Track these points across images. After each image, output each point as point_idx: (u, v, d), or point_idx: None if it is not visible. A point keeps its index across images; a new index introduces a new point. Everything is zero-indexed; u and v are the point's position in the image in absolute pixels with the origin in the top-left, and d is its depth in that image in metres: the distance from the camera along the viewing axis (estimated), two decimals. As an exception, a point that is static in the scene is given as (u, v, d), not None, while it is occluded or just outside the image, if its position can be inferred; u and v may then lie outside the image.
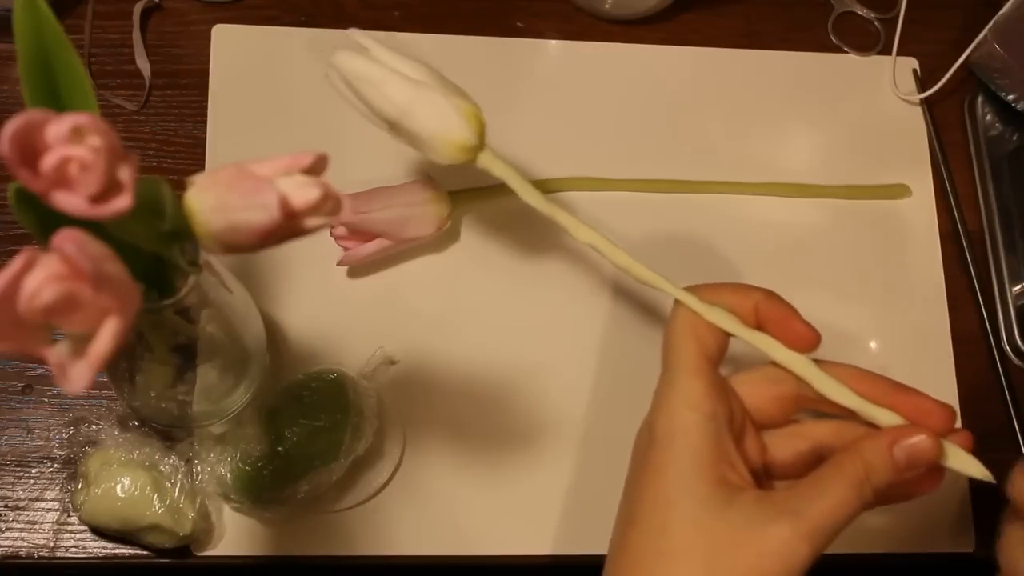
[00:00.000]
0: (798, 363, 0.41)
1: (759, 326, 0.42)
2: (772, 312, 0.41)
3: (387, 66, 0.44)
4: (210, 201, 0.30)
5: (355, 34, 0.45)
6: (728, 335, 0.41)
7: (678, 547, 0.37)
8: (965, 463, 0.40)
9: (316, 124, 0.56)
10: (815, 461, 0.41)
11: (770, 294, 0.42)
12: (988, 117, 0.62)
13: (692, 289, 0.42)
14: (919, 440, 0.39)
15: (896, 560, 0.54)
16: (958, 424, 0.42)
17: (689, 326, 0.41)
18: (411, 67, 0.44)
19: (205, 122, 0.56)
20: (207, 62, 0.57)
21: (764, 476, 0.42)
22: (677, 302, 0.42)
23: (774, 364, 0.42)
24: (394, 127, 0.44)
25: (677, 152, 0.59)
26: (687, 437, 0.39)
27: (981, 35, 0.58)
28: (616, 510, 0.52)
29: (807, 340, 0.41)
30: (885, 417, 0.40)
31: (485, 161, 0.45)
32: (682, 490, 0.38)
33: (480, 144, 0.44)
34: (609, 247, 0.43)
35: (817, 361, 0.42)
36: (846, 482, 0.38)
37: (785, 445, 0.43)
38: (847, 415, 0.41)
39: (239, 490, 0.47)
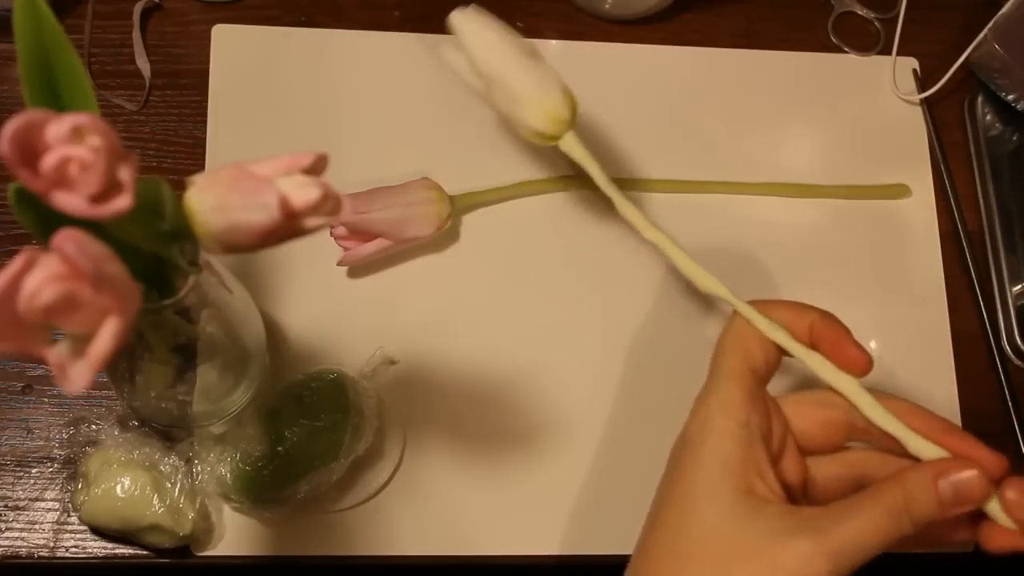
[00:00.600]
0: (847, 385, 0.40)
1: (813, 345, 0.41)
2: (827, 332, 0.40)
3: (500, 32, 0.46)
4: (210, 201, 0.30)
5: (470, 10, 0.47)
6: (781, 353, 0.41)
7: (694, 550, 0.37)
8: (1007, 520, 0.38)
9: (316, 124, 0.56)
10: (857, 489, 0.39)
11: (826, 314, 0.41)
12: (988, 117, 0.62)
13: (750, 303, 0.41)
14: (969, 476, 0.37)
15: (896, 560, 0.54)
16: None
17: (740, 337, 0.40)
18: (524, 43, 0.47)
19: (205, 122, 0.56)
20: (207, 62, 0.57)
21: (802, 497, 0.41)
22: (735, 312, 0.41)
23: (826, 389, 0.41)
24: (495, 85, 0.46)
25: (677, 152, 0.59)
26: (718, 441, 0.38)
27: (981, 35, 0.58)
28: (617, 509, 0.52)
29: (859, 364, 0.40)
30: (930, 451, 0.39)
31: (568, 143, 0.46)
32: (706, 493, 0.37)
33: (570, 124, 0.45)
34: (675, 251, 0.43)
35: (873, 392, 0.40)
36: (882, 508, 0.36)
37: (828, 470, 0.42)
38: (898, 451, 0.40)
39: (239, 490, 0.47)
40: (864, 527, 0.36)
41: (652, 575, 0.38)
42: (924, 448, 0.39)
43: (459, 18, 0.46)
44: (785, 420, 0.41)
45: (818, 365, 0.41)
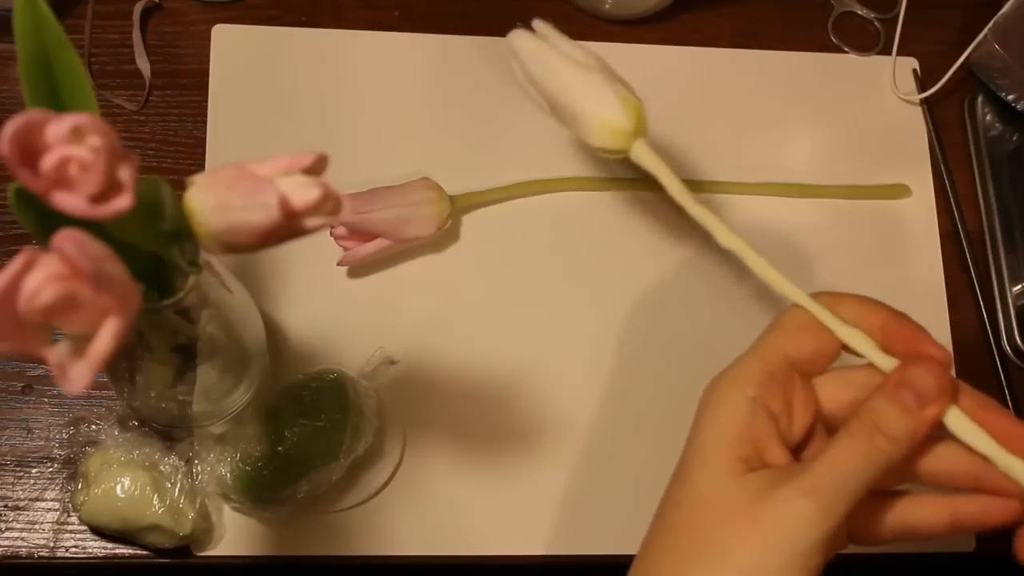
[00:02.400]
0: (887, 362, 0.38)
1: (885, 345, 0.38)
2: (900, 330, 0.38)
3: (558, 49, 0.45)
4: (210, 201, 0.30)
5: (535, 23, 0.46)
6: (840, 348, 0.39)
7: (686, 518, 0.36)
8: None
9: (316, 124, 0.56)
10: None
11: (900, 314, 0.39)
12: (988, 117, 0.62)
13: (817, 294, 0.39)
14: (914, 374, 0.35)
15: (896, 560, 0.54)
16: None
17: (794, 324, 0.39)
18: (582, 54, 0.45)
19: (205, 122, 0.56)
20: (207, 62, 0.57)
21: None
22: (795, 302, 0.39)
23: (863, 367, 0.38)
24: (555, 106, 0.45)
25: (677, 152, 0.59)
26: (718, 412, 0.37)
27: (981, 35, 0.58)
28: (617, 509, 0.52)
29: (936, 358, 0.37)
30: (888, 363, 0.37)
31: (638, 151, 0.44)
32: (701, 464, 0.37)
33: (635, 132, 0.44)
34: (753, 256, 0.41)
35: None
36: (853, 435, 0.35)
37: None
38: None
39: (239, 490, 0.47)
40: (841, 456, 0.35)
41: (651, 548, 0.38)
42: (884, 362, 0.37)
43: (515, 39, 0.45)
44: (816, 408, 0.39)
45: (864, 347, 0.38)
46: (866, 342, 0.38)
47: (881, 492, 0.38)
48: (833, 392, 0.39)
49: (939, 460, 0.37)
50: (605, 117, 0.44)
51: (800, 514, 0.34)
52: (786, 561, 0.34)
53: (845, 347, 0.39)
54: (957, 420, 0.36)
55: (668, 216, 0.57)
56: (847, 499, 0.34)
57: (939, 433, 0.36)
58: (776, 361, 0.38)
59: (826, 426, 0.39)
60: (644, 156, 0.44)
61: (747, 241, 0.41)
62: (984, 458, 0.36)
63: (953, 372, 0.37)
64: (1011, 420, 0.36)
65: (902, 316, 0.38)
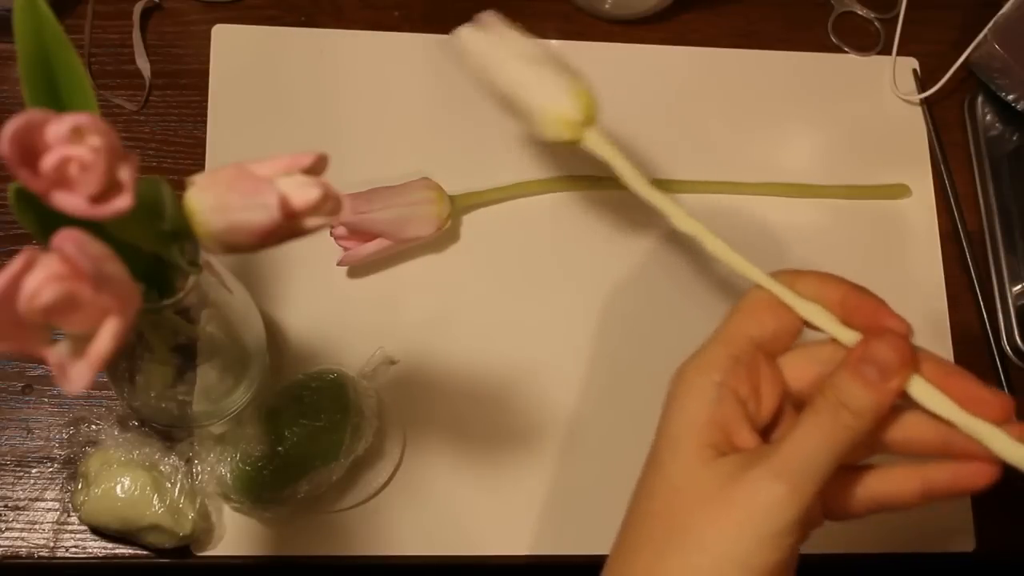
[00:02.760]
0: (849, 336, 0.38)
1: (846, 319, 0.38)
2: (861, 305, 0.38)
3: (506, 43, 0.45)
4: (210, 201, 0.30)
5: (482, 16, 0.46)
6: (802, 324, 0.39)
7: (659, 508, 0.37)
8: (990, 435, 0.36)
9: (316, 124, 0.56)
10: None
11: (859, 287, 0.39)
12: (988, 117, 0.62)
13: (777, 273, 0.40)
14: (874, 348, 0.36)
15: (896, 560, 0.54)
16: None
17: (753, 304, 0.39)
18: (530, 46, 0.45)
19: (205, 122, 0.56)
20: (207, 62, 0.57)
21: None
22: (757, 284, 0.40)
23: (825, 342, 0.39)
24: (506, 101, 0.45)
25: (677, 152, 0.59)
26: (686, 398, 0.37)
27: (981, 35, 0.58)
28: (617, 509, 0.52)
29: (897, 332, 0.37)
30: (850, 337, 0.38)
31: (591, 141, 0.45)
32: (672, 452, 0.37)
33: (586, 123, 0.45)
34: (711, 238, 0.42)
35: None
36: (818, 413, 0.35)
37: None
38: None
39: (239, 490, 0.47)
40: (807, 436, 0.35)
41: (626, 540, 0.38)
42: (846, 336, 0.38)
43: (462, 35, 0.46)
44: (783, 387, 0.39)
45: (825, 322, 0.38)
46: (826, 317, 0.38)
47: (851, 467, 0.38)
48: (799, 369, 0.39)
49: (906, 429, 0.37)
50: (555, 110, 0.44)
51: (771, 496, 0.34)
52: (760, 543, 0.34)
53: (807, 323, 0.39)
54: (921, 389, 0.36)
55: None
56: (816, 478, 0.34)
57: (905, 403, 0.37)
58: (740, 344, 0.38)
59: (794, 404, 0.39)
60: (597, 145, 0.45)
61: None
62: (949, 424, 0.36)
63: (914, 341, 0.37)
64: (975, 384, 0.36)
65: (861, 289, 0.39)
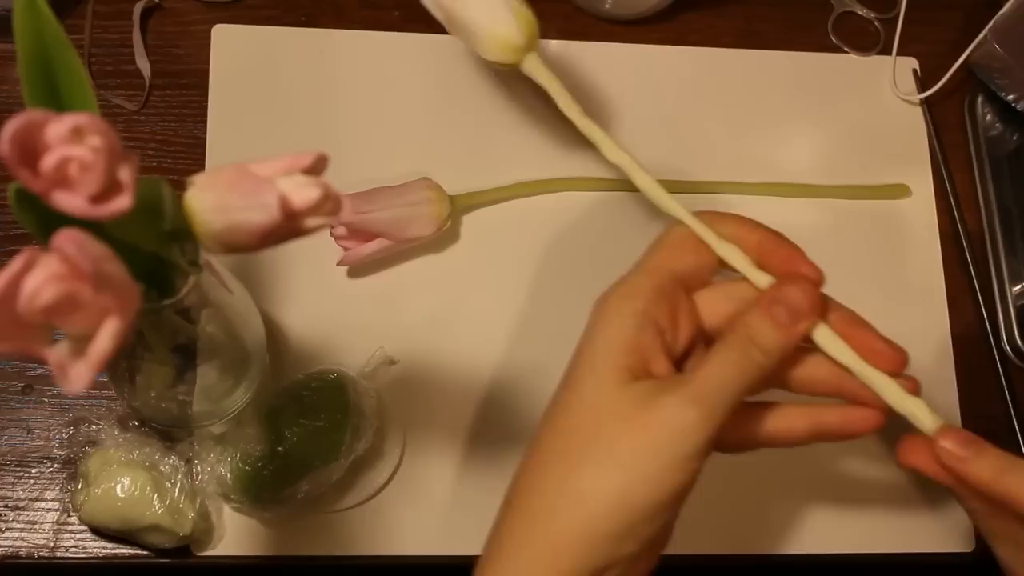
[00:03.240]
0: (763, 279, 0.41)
1: (760, 262, 0.41)
2: (777, 250, 0.40)
3: None
4: (210, 201, 0.30)
5: None
6: (718, 264, 0.41)
7: (574, 425, 0.38)
8: (882, 384, 0.39)
9: (316, 124, 0.56)
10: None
11: (777, 233, 0.41)
12: (988, 117, 0.62)
13: (698, 213, 0.42)
14: (787, 291, 0.38)
15: (896, 560, 0.54)
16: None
17: (676, 240, 0.41)
18: None
19: (205, 122, 0.56)
20: (207, 62, 0.57)
21: None
22: (678, 221, 0.41)
23: (740, 281, 0.41)
24: (450, 19, 0.46)
25: (677, 152, 0.59)
26: (608, 324, 0.39)
27: (981, 35, 0.58)
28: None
29: (814, 278, 0.40)
30: (765, 280, 0.40)
31: (530, 65, 0.46)
32: (590, 371, 0.38)
33: (527, 47, 0.45)
34: (639, 173, 0.44)
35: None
36: (730, 347, 0.37)
37: None
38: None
39: (239, 490, 0.47)
40: (719, 367, 0.37)
41: (540, 453, 0.39)
42: (761, 279, 0.40)
43: None
44: (699, 324, 0.41)
45: (740, 263, 0.40)
46: (742, 258, 0.41)
47: (749, 403, 0.40)
48: (713, 305, 0.41)
49: (806, 369, 0.40)
50: (498, 31, 0.45)
51: (685, 420, 0.36)
52: (671, 464, 0.36)
53: (723, 263, 0.41)
54: (824, 335, 0.39)
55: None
56: (726, 407, 0.37)
57: (807, 345, 0.39)
58: (663, 276, 0.40)
59: (705, 339, 0.41)
60: (536, 69, 0.46)
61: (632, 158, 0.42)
62: (847, 370, 0.39)
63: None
64: (874, 335, 0.39)
65: (778, 235, 0.41)
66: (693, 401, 0.36)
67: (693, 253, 0.41)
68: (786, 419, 0.41)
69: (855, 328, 0.40)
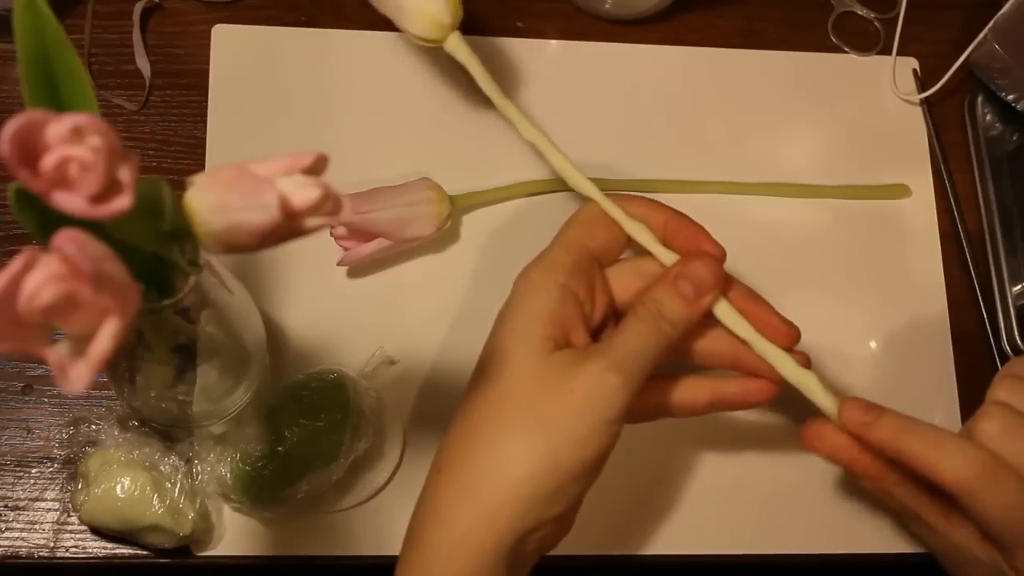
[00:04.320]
0: (667, 257, 0.44)
1: (666, 240, 0.44)
2: (681, 229, 0.44)
3: None
4: (210, 201, 0.30)
5: None
6: (627, 242, 0.44)
7: (502, 392, 0.40)
8: (775, 356, 0.42)
9: (316, 124, 0.56)
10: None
11: (680, 213, 0.45)
12: (988, 117, 0.62)
13: (608, 195, 0.45)
14: (692, 267, 0.41)
15: (896, 560, 0.54)
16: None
17: (589, 218, 0.44)
18: None
19: (205, 122, 0.56)
20: (207, 62, 0.57)
21: None
22: (589, 200, 0.45)
23: (648, 258, 0.44)
24: None
25: (677, 152, 0.59)
26: (533, 296, 0.42)
27: (981, 35, 0.58)
28: (616, 509, 0.52)
29: (715, 254, 0.43)
30: (670, 257, 0.43)
31: (452, 44, 0.48)
32: (516, 341, 0.41)
33: (451, 25, 0.48)
34: (552, 150, 0.47)
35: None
36: (641, 319, 0.40)
37: None
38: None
39: (239, 490, 0.47)
40: (634, 337, 0.40)
41: (468, 422, 0.41)
42: (666, 255, 0.44)
43: None
44: (611, 297, 0.44)
45: (670, 260, 0.43)
46: (649, 236, 0.44)
47: (654, 375, 0.42)
48: (623, 281, 0.45)
49: (706, 342, 0.44)
50: (425, 8, 0.47)
51: (609, 386, 0.39)
52: (596, 427, 0.39)
53: (631, 239, 0.44)
54: (724, 309, 0.42)
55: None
56: (642, 374, 0.40)
57: (707, 320, 0.43)
58: (580, 252, 0.43)
59: (616, 312, 0.45)
60: (456, 48, 0.48)
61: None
62: (745, 343, 0.42)
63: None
64: (768, 310, 0.43)
65: (682, 216, 0.45)
66: (614, 367, 0.39)
67: (605, 230, 0.44)
68: (689, 390, 0.44)
69: (752, 304, 0.43)
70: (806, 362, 0.43)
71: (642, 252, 0.45)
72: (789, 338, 0.43)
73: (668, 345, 0.41)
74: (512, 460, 0.39)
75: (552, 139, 0.47)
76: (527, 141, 0.47)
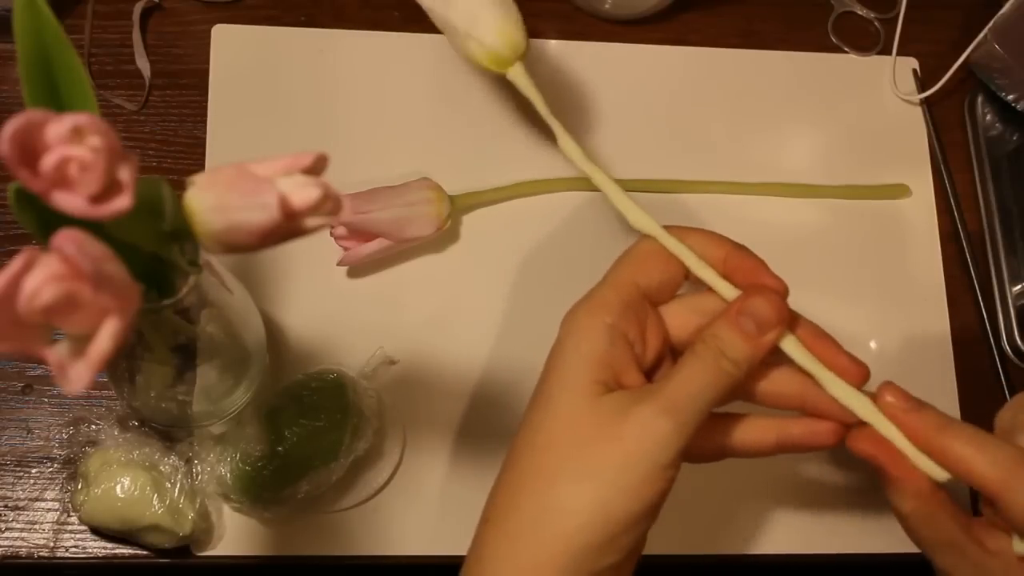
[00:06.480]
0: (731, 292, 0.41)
1: (727, 276, 0.41)
2: (742, 263, 0.41)
3: None
4: (210, 201, 0.30)
5: None
6: (684, 277, 0.42)
7: (549, 441, 0.38)
8: (849, 396, 0.39)
9: (316, 124, 0.56)
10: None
11: (741, 247, 0.42)
12: (988, 117, 0.62)
13: (666, 228, 0.42)
14: (754, 303, 0.39)
15: (896, 560, 0.54)
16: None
17: (644, 254, 0.42)
18: None
19: (205, 122, 0.56)
20: (207, 62, 0.57)
21: None
22: (644, 235, 0.42)
23: (705, 294, 0.42)
24: (447, 27, 0.47)
25: (677, 152, 0.59)
26: (579, 337, 0.39)
27: (981, 35, 0.58)
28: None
29: (778, 290, 0.40)
30: (731, 292, 0.40)
31: (514, 75, 0.46)
32: (562, 388, 0.39)
33: (513, 58, 0.46)
34: (610, 185, 0.44)
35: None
36: (700, 359, 0.38)
37: None
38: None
39: (239, 490, 0.47)
40: (691, 377, 0.37)
41: (514, 471, 0.39)
42: (727, 291, 0.41)
43: None
44: (666, 336, 0.42)
45: (731, 295, 0.41)
46: (710, 271, 0.41)
47: (715, 414, 0.40)
48: (679, 318, 0.42)
49: (772, 383, 0.41)
50: (508, 24, 0.45)
51: (660, 431, 0.36)
52: (648, 474, 0.36)
53: (692, 275, 0.41)
54: (792, 345, 0.40)
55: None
56: (698, 417, 0.37)
57: (773, 358, 0.40)
58: (630, 290, 0.40)
59: (672, 353, 0.42)
60: (519, 79, 0.46)
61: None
62: (813, 379, 0.40)
63: (789, 301, 0.40)
64: (837, 350, 0.40)
65: (743, 248, 0.42)
66: (666, 411, 0.37)
67: (659, 267, 0.41)
68: (753, 431, 0.41)
69: (820, 342, 0.40)
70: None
71: (699, 286, 0.42)
72: (859, 378, 0.40)
73: (728, 385, 0.38)
74: (561, 513, 0.37)
75: (611, 176, 0.45)
76: (590, 178, 0.45)
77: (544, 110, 0.45)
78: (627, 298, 0.40)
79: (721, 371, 0.38)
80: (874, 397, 0.40)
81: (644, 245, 0.42)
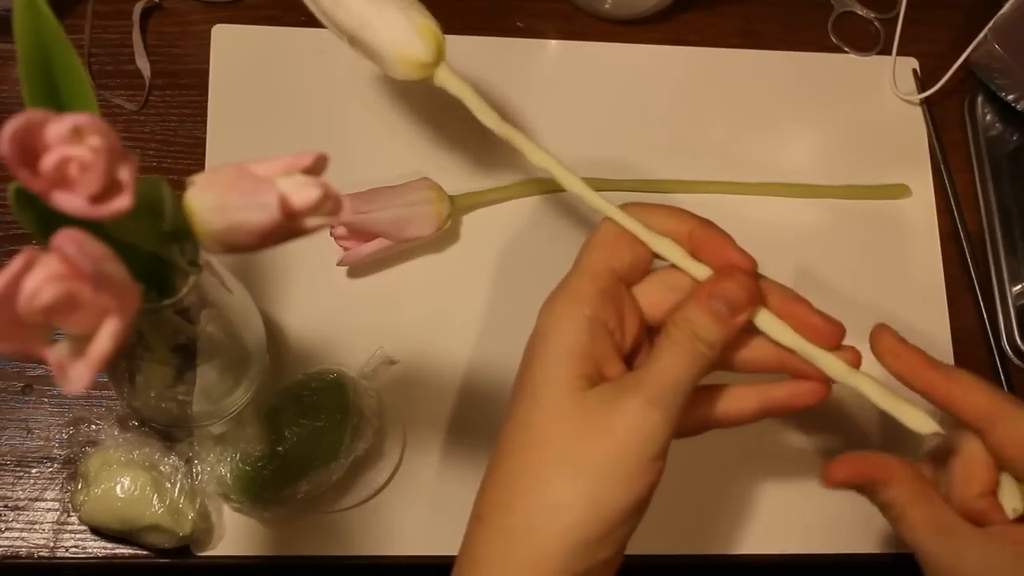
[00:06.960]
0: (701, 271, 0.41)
1: (693, 252, 0.41)
2: (708, 239, 0.41)
3: None
4: (210, 201, 0.30)
5: None
6: (652, 256, 0.41)
7: (538, 437, 0.38)
8: (825, 361, 0.40)
9: (316, 124, 0.56)
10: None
11: (706, 221, 0.42)
12: (988, 117, 0.62)
13: (627, 206, 0.42)
14: (724, 287, 0.39)
15: (896, 560, 0.54)
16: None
17: (609, 237, 0.41)
18: None
19: (205, 122, 0.56)
20: (207, 62, 0.57)
21: None
22: (607, 217, 0.42)
23: (676, 269, 0.41)
24: (353, 40, 0.45)
25: (677, 152, 0.59)
26: (560, 330, 0.39)
27: (981, 35, 0.58)
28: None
29: (744, 265, 0.40)
30: (702, 272, 0.40)
31: (441, 77, 0.44)
32: (546, 381, 0.38)
33: (435, 61, 0.44)
34: (562, 171, 0.43)
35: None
36: (676, 344, 0.38)
37: None
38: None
39: (239, 490, 0.47)
40: (670, 364, 0.38)
41: (504, 471, 0.39)
42: (698, 270, 0.40)
43: None
44: (642, 317, 0.41)
45: (703, 275, 0.41)
46: (678, 251, 0.41)
47: (698, 387, 0.40)
48: (654, 296, 0.42)
49: (750, 350, 0.41)
50: (401, 50, 0.43)
51: (650, 423, 0.37)
52: (640, 467, 0.37)
53: (659, 256, 0.41)
54: (765, 320, 0.40)
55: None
56: (681, 402, 0.38)
57: (748, 329, 0.40)
58: (605, 277, 0.40)
59: (649, 332, 0.42)
60: (448, 81, 0.44)
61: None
62: (790, 350, 0.40)
63: (758, 272, 0.40)
64: (809, 310, 0.41)
65: (709, 224, 0.41)
66: (653, 402, 0.37)
67: (628, 249, 0.41)
68: (736, 400, 0.42)
69: (791, 304, 0.41)
70: (856, 360, 0.41)
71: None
72: (834, 337, 0.40)
73: (706, 366, 0.38)
74: (556, 510, 0.37)
75: (562, 161, 0.44)
76: (536, 165, 0.44)
77: (479, 107, 0.44)
78: (603, 286, 0.40)
79: (697, 354, 0.38)
80: (858, 356, 0.41)
81: (609, 227, 0.41)
